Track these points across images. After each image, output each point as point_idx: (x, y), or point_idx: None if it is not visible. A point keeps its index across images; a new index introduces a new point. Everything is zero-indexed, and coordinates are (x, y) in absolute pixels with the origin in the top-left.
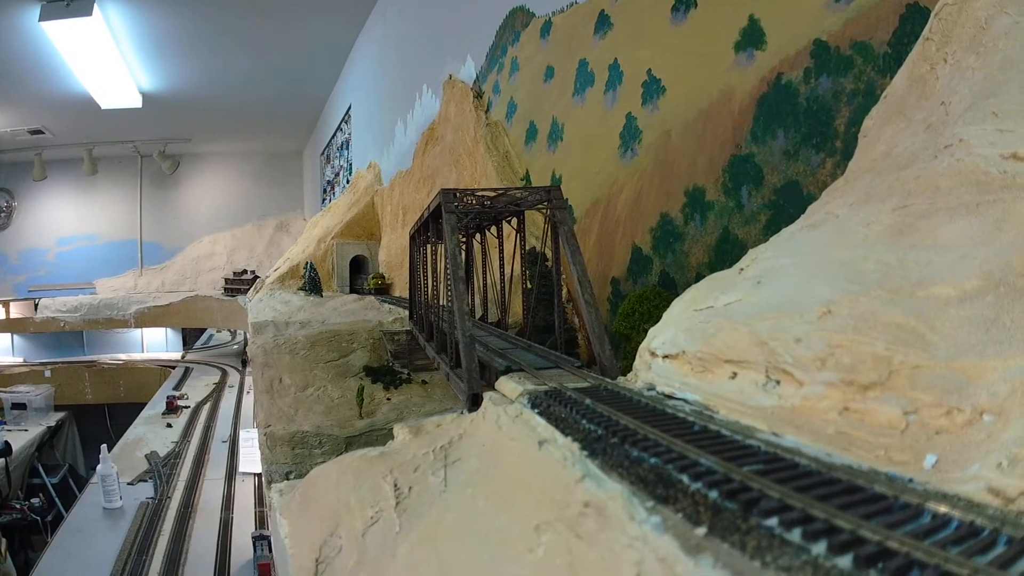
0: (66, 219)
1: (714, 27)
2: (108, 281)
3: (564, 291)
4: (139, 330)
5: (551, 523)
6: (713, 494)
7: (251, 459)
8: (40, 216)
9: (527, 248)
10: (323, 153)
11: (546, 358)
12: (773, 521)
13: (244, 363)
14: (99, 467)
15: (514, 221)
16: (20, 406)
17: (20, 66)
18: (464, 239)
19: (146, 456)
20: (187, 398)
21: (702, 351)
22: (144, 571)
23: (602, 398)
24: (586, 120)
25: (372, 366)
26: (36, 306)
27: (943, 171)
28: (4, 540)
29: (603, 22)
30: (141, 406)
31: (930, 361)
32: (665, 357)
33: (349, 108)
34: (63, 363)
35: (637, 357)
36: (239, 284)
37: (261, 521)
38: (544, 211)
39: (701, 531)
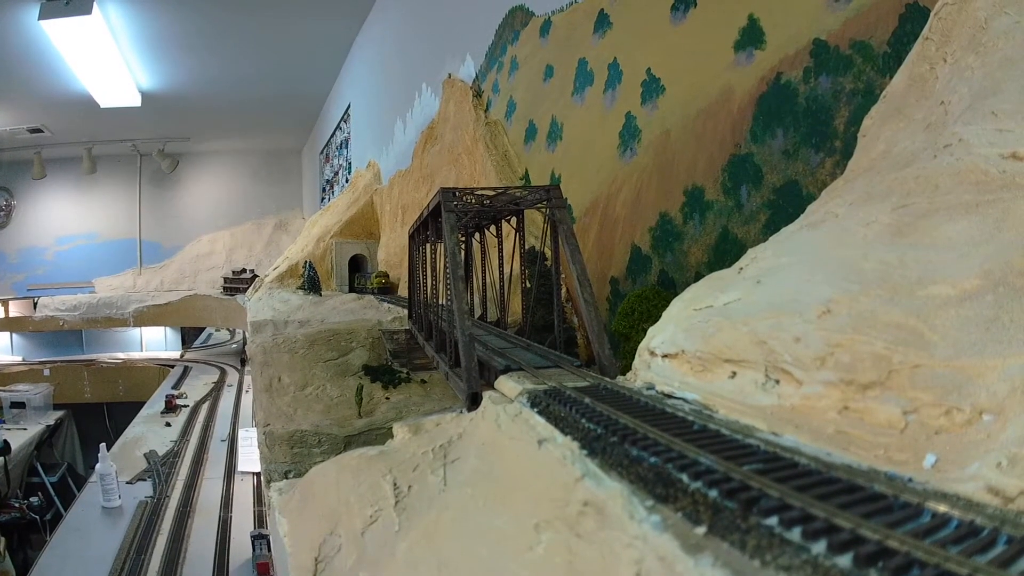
0: (65, 218)
1: (714, 26)
2: (107, 280)
3: (563, 290)
4: (138, 329)
5: (550, 522)
6: (713, 493)
7: (250, 458)
8: (39, 215)
9: (526, 247)
10: (322, 152)
11: (545, 357)
12: (773, 520)
13: (243, 362)
14: (98, 466)
15: (513, 220)
16: (19, 405)
17: (19, 65)
18: (463, 238)
19: (145, 455)
20: (186, 397)
21: (701, 350)
22: (143, 570)
23: (601, 397)
24: (585, 119)
25: (371, 365)
26: (35, 305)
27: (943, 170)
28: (3, 539)
29: (602, 21)
30: (140, 405)
31: (930, 360)
32: (664, 356)
33: (348, 107)
34: (62, 362)
35: (636, 356)
36: (238, 283)
37: (260, 520)
38: (543, 210)
39: (701, 530)
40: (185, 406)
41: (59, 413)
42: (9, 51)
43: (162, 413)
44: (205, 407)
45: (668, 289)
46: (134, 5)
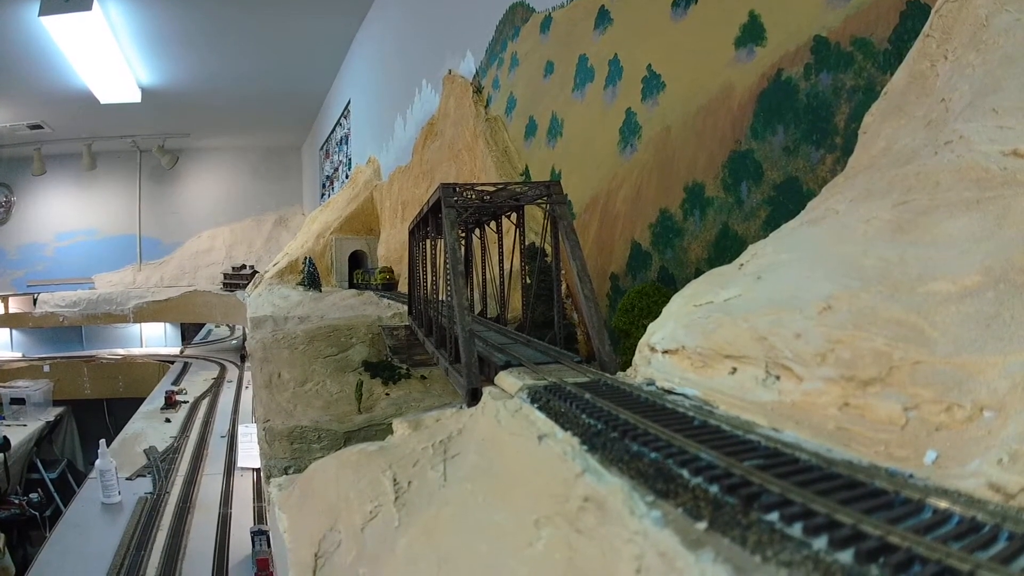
0: (65, 214)
1: (714, 23)
2: (107, 276)
3: (563, 286)
4: (138, 325)
5: (551, 517)
6: (714, 489)
7: (250, 454)
8: (39, 211)
9: (526, 243)
10: (322, 148)
11: (545, 353)
12: (774, 516)
13: (243, 358)
14: (98, 462)
15: (513, 216)
16: (19, 401)
17: (20, 61)
18: (463, 234)
19: (145, 451)
20: (186, 393)
21: (702, 346)
22: (142, 566)
23: (602, 393)
24: (586, 115)
25: (371, 361)
26: (35, 301)
27: (943, 167)
28: (3, 535)
29: (603, 17)
30: (140, 401)
31: (930, 357)
32: (665, 352)
33: (348, 103)
34: (62, 358)
35: (636, 352)
36: (238, 279)
37: (260, 516)
38: (544, 206)
39: (702, 526)
40: (185, 402)
41: (59, 409)
42: (9, 47)
43: (162, 409)
44: (205, 403)
45: (668, 285)
46: (134, 1)
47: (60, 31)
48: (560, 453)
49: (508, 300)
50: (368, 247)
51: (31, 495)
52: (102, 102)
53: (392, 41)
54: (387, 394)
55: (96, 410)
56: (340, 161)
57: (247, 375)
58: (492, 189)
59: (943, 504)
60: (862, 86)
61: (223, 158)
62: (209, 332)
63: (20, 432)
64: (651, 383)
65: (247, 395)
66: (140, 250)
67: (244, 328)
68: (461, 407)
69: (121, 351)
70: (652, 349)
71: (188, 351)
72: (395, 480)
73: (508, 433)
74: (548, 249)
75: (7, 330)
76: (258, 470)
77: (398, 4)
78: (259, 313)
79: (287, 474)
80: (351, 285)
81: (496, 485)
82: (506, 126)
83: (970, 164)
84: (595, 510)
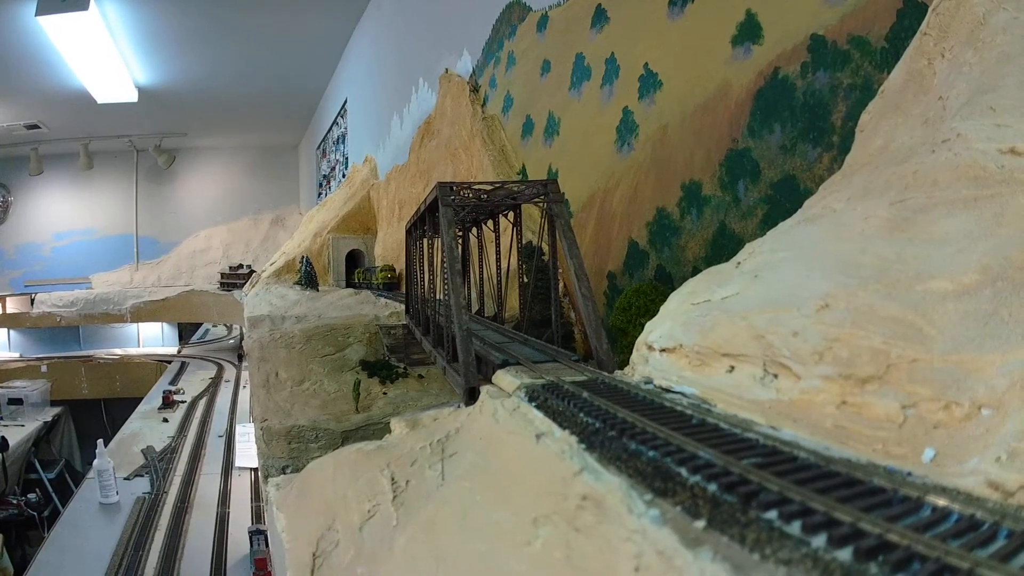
0: (62, 214)
1: (711, 21)
2: (104, 276)
3: (561, 285)
4: (135, 325)
5: (549, 516)
6: (712, 487)
7: (247, 454)
8: (36, 211)
9: (524, 242)
10: (319, 147)
11: (543, 352)
12: (772, 514)
13: (240, 357)
14: (95, 462)
15: (511, 215)
16: (16, 401)
17: (16, 61)
18: (460, 233)
19: (142, 451)
20: (183, 393)
21: (699, 345)
22: (140, 566)
23: (599, 391)
24: (583, 114)
25: (368, 360)
26: (32, 301)
27: (941, 166)
28: (1, 536)
29: (600, 16)
30: (137, 401)
31: (928, 355)
32: (662, 351)
33: (345, 102)
34: (59, 358)
35: (634, 351)
36: (235, 278)
37: (258, 516)
38: (541, 205)
39: (700, 524)
40: (182, 402)
41: (56, 409)
42: (6, 47)
43: (159, 409)
44: (202, 403)
45: (665, 284)
46: (131, 1)
47: (57, 31)
48: (558, 452)
49: (505, 299)
50: (365, 246)
51: (29, 495)
52: (99, 102)
53: (389, 40)
54: (385, 393)
55: (94, 410)
56: (337, 160)
57: (244, 375)
58: (489, 188)
59: (942, 502)
60: (859, 84)
61: (220, 157)
62: (206, 332)
63: (18, 432)
64: (649, 381)
65: (244, 395)
66: (137, 250)
67: (241, 327)
68: (459, 406)
69: (118, 351)
70: (650, 347)
71: (185, 351)
72: (393, 479)
73: (506, 432)
74: (545, 248)
75: (4, 330)
76: (256, 470)
77: (394, 3)
78: (256, 312)
79: (285, 473)
80: (352, 284)
81: (494, 484)
82: (503, 125)
83: (968, 162)
84: (593, 508)
